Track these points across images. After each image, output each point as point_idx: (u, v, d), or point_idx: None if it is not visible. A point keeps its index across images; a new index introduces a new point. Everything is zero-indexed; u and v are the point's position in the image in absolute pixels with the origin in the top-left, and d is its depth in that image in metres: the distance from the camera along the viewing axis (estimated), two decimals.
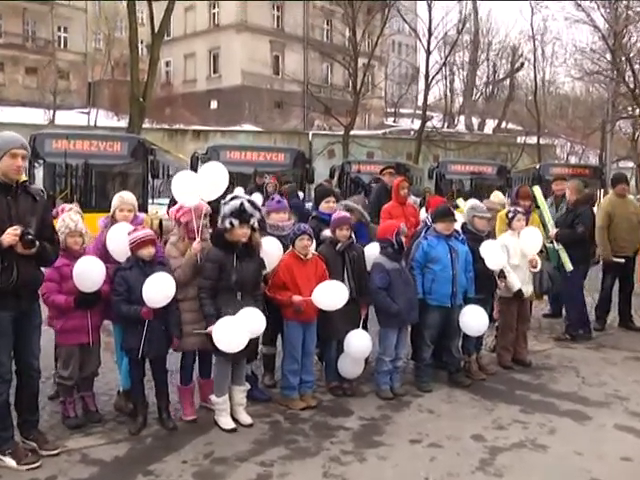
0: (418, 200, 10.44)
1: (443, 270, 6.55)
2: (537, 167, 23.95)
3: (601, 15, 28.15)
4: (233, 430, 5.48)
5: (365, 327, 6.68)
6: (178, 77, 50.16)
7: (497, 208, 8.42)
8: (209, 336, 5.32)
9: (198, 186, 5.57)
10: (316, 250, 6.28)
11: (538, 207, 8.59)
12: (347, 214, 6.55)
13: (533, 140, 42.23)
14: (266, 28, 46.90)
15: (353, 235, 6.49)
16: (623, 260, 9.06)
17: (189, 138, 36.38)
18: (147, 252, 5.37)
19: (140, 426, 5.42)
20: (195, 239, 5.50)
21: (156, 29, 25.00)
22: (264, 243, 5.85)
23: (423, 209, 9.45)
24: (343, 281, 6.17)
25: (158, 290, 5.18)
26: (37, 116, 36.74)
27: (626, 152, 36.72)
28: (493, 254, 6.85)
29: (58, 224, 5.35)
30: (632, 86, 26.04)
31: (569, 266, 8.34)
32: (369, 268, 6.48)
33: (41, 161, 14.80)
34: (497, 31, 68.22)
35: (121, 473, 4.78)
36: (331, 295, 5.88)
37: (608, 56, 27.85)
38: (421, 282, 6.59)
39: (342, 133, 36.85)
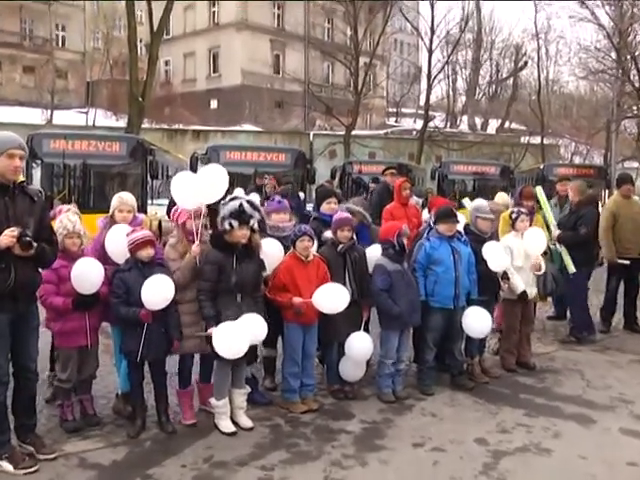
0: (420, 201, 10.42)
1: (446, 272, 6.54)
2: (541, 167, 23.93)
3: (606, 13, 28.18)
4: (233, 434, 5.48)
5: (367, 329, 6.67)
6: (177, 76, 50.18)
7: (501, 209, 8.40)
8: (208, 339, 5.33)
9: (198, 189, 5.56)
10: (317, 251, 6.28)
11: (541, 208, 8.58)
12: (348, 215, 6.54)
13: (537, 140, 42.19)
14: (266, 27, 46.94)
15: (355, 236, 6.49)
16: (628, 262, 9.03)
17: (189, 138, 36.39)
18: (146, 253, 5.37)
19: (139, 429, 5.42)
20: (194, 241, 5.51)
21: (155, 28, 25.01)
22: (265, 245, 5.86)
23: (425, 210, 9.43)
24: (344, 283, 6.18)
25: (157, 292, 5.18)
26: (35, 116, 36.76)
27: (631, 152, 36.68)
28: (496, 255, 6.84)
29: (56, 225, 5.35)
30: (637, 85, 26.06)
31: (572, 268, 8.33)
32: (371, 270, 6.48)
33: (39, 161, 14.80)
34: (500, 29, 67.94)
35: (119, 477, 4.78)
36: (332, 298, 5.88)
37: (613, 55, 27.86)
38: (423, 284, 6.58)
39: (343, 133, 36.88)
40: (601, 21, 28.00)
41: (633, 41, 26.87)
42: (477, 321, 6.65)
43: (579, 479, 4.92)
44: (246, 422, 5.63)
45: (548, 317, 9.96)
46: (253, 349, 5.80)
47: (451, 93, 58.62)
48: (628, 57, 26.30)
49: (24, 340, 4.82)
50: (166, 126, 38.85)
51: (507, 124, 53.45)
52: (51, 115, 38.34)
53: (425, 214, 8.82)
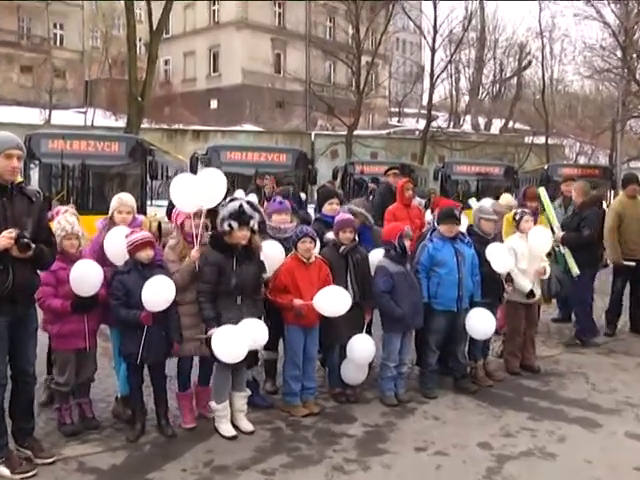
0: (423, 202, 10.43)
1: (449, 273, 6.54)
2: (545, 168, 23.94)
3: (611, 11, 28.18)
4: (234, 437, 5.48)
5: (369, 332, 6.67)
6: (177, 76, 50.21)
7: (504, 211, 8.37)
8: (208, 342, 5.33)
9: (197, 193, 5.54)
10: (319, 253, 6.27)
11: (545, 209, 8.57)
12: (350, 216, 6.55)
13: (541, 140, 42.21)
14: (267, 25, 46.96)
15: (357, 238, 6.49)
16: (634, 264, 8.99)
17: (189, 138, 36.41)
18: (145, 255, 5.37)
19: (138, 433, 5.42)
20: (193, 243, 5.50)
21: (155, 27, 25.02)
22: (265, 246, 5.86)
23: (428, 211, 9.44)
24: (346, 285, 6.18)
25: (158, 293, 5.18)
26: (33, 116, 36.79)
27: (637, 152, 36.76)
28: (500, 257, 6.84)
29: (54, 226, 5.35)
30: None
31: (575, 270, 8.31)
32: (373, 272, 6.48)
33: (37, 162, 14.80)
34: (504, 28, 67.77)
35: None
36: (333, 301, 5.88)
37: (618, 53, 27.84)
38: (426, 286, 6.58)
39: (345, 133, 36.90)
40: (606, 19, 28.01)
41: (639, 39, 26.84)
42: (481, 323, 6.65)
43: None
44: (247, 426, 5.64)
45: (552, 319, 9.95)
46: (254, 352, 5.80)
47: (454, 93, 58.62)
48: (634, 56, 26.31)
49: (22, 343, 4.82)
50: (166, 126, 38.87)
51: (511, 124, 53.43)
52: (49, 115, 38.36)
53: (428, 215, 8.83)
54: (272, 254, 5.98)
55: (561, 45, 46.54)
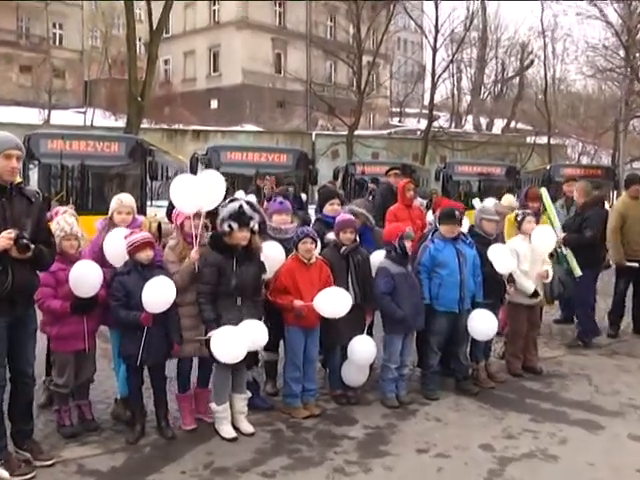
0: (424, 202, 10.44)
1: (450, 274, 6.54)
2: (547, 168, 23.95)
3: (614, 10, 28.21)
4: (234, 439, 5.48)
5: (370, 333, 6.67)
6: (177, 76, 50.23)
7: (505, 212, 8.36)
8: (208, 343, 5.33)
9: (197, 194, 5.54)
10: (320, 253, 6.27)
11: (546, 210, 8.56)
12: (351, 217, 6.55)
13: (543, 140, 42.21)
14: (268, 25, 46.97)
15: (358, 238, 6.48)
16: (637, 264, 8.98)
17: (189, 138, 36.42)
18: (145, 255, 5.37)
19: (138, 435, 5.43)
20: (193, 243, 5.50)
21: (155, 26, 25.03)
22: (266, 248, 5.86)
23: (430, 211, 9.44)
24: (347, 286, 6.18)
25: (158, 295, 5.18)
26: (32, 116, 36.77)
27: None
28: (502, 257, 6.84)
29: (53, 227, 5.34)
30: None
31: (578, 272, 8.29)
32: (374, 273, 6.48)
33: (36, 162, 14.82)
34: (506, 27, 68.20)
35: None
36: (333, 303, 5.88)
37: (621, 53, 27.88)
38: (428, 287, 6.58)
39: (346, 133, 36.90)
40: (609, 18, 28.03)
41: None
42: (482, 323, 6.65)
43: None
44: (247, 427, 5.64)
45: (555, 321, 9.94)
46: (254, 353, 5.80)
47: (456, 92, 58.67)
48: (637, 55, 26.31)
49: (22, 344, 4.83)
50: (166, 126, 38.87)
51: (513, 124, 53.44)
52: (48, 115, 38.36)
53: (429, 216, 8.83)
54: (272, 255, 5.98)
55: (563, 44, 46.49)
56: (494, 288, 6.93)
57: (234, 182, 15.57)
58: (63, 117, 37.79)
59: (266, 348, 6.46)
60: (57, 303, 5.31)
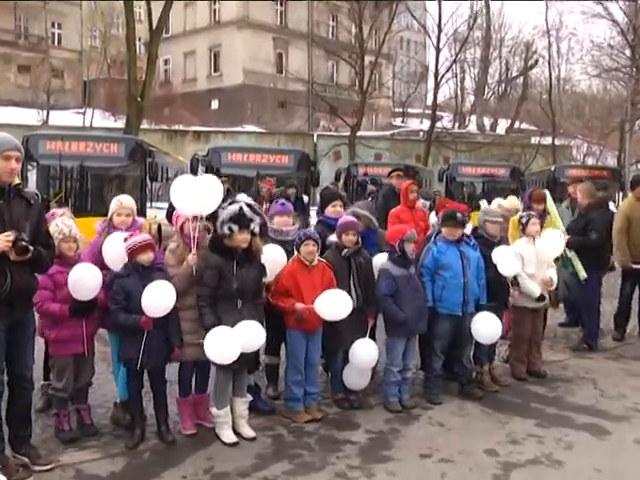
0: (428, 204, 10.43)
1: (454, 277, 6.54)
2: (552, 169, 23.89)
3: (620, 9, 28.21)
4: (235, 444, 5.48)
5: (373, 336, 6.66)
6: (177, 76, 50.31)
7: (507, 215, 8.33)
8: None
9: (198, 197, 5.53)
10: (321, 256, 6.26)
11: (549, 213, 8.53)
12: (354, 218, 6.54)
13: (548, 141, 42.20)
14: (269, 25, 47.04)
15: (360, 241, 6.47)
16: None
17: (189, 139, 36.46)
18: (146, 257, 5.37)
19: (137, 440, 5.42)
20: (191, 246, 5.49)
21: (154, 26, 25.04)
22: (267, 250, 5.85)
23: (433, 213, 9.43)
24: (349, 289, 6.18)
25: (158, 299, 5.17)
26: (30, 116, 36.83)
27: None
28: (506, 260, 6.83)
29: (51, 229, 5.33)
30: None
31: (583, 274, 8.28)
32: (377, 275, 6.48)
33: (34, 163, 14.79)
34: (510, 27, 68.33)
35: None
36: (333, 305, 5.87)
37: (627, 52, 27.89)
38: (431, 289, 6.58)
39: (348, 134, 36.94)
40: (615, 17, 28.03)
41: None
42: (486, 327, 6.64)
43: None
44: (248, 432, 5.63)
45: (560, 324, 9.91)
46: (255, 356, 5.81)
47: (459, 92, 58.73)
48: None
49: (20, 348, 4.83)
50: (166, 127, 38.93)
51: (517, 124, 53.45)
52: (47, 116, 38.41)
53: (433, 217, 8.82)
54: (274, 258, 5.97)
55: (568, 44, 46.71)
56: (498, 291, 6.93)
57: (235, 183, 15.59)
58: (62, 118, 37.85)
59: (267, 351, 6.48)
60: (56, 306, 5.31)
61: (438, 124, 41.80)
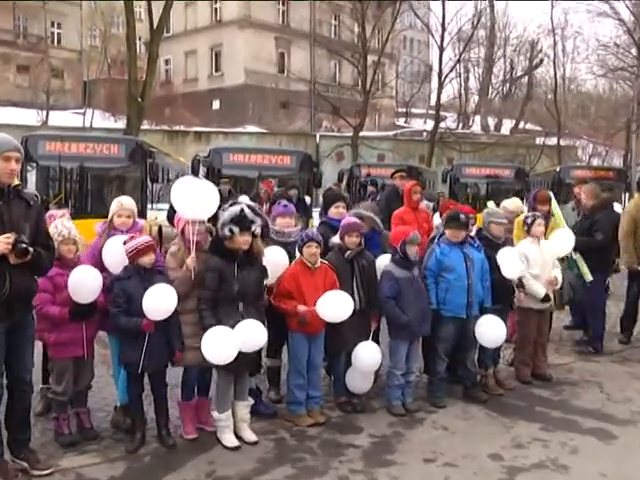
0: (431, 205, 10.43)
1: (458, 279, 6.54)
2: (557, 170, 23.85)
3: (626, 7, 28.19)
4: (236, 448, 5.48)
5: (376, 339, 6.66)
6: (178, 76, 50.36)
7: (511, 217, 8.31)
8: None
9: (199, 201, 5.53)
10: (323, 257, 6.26)
11: (553, 215, 8.52)
12: (357, 220, 6.53)
13: (553, 141, 42.17)
14: (271, 24, 47.07)
15: (363, 242, 6.47)
16: None
17: (190, 140, 36.49)
18: (148, 259, 5.37)
19: (138, 444, 5.42)
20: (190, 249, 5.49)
21: (155, 25, 25.07)
22: (269, 253, 5.85)
23: (437, 214, 9.43)
24: (352, 291, 6.17)
25: (159, 302, 5.17)
26: (29, 117, 36.89)
27: None
28: (510, 262, 6.82)
29: (50, 231, 5.33)
30: None
31: (589, 277, 8.26)
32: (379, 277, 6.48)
33: (34, 164, 14.79)
34: (514, 25, 68.39)
35: None
36: (334, 306, 5.86)
37: (634, 51, 27.87)
38: (434, 292, 6.58)
39: (351, 134, 36.96)
40: (621, 16, 28.02)
41: None
42: (491, 330, 6.63)
43: None
44: (250, 436, 5.63)
45: (565, 327, 9.90)
46: (257, 359, 5.80)
47: (463, 92, 58.70)
48: None
49: (20, 351, 4.83)
50: (166, 127, 38.96)
51: (522, 124, 53.45)
52: (46, 116, 38.45)
53: (436, 218, 8.82)
54: (276, 260, 5.97)
55: (574, 43, 46.74)
56: (503, 293, 6.93)
57: (236, 185, 15.59)
58: (61, 118, 37.90)
59: (268, 354, 6.48)
60: (56, 309, 5.31)
61: (442, 124, 41.76)
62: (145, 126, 30.63)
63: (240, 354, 5.27)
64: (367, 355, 6.21)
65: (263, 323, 5.57)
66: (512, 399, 6.92)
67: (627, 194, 21.68)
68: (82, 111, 40.72)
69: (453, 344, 6.70)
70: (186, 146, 34.32)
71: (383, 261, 6.54)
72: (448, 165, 29.87)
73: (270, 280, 5.91)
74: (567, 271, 7.90)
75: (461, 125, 53.94)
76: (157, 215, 14.83)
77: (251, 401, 5.80)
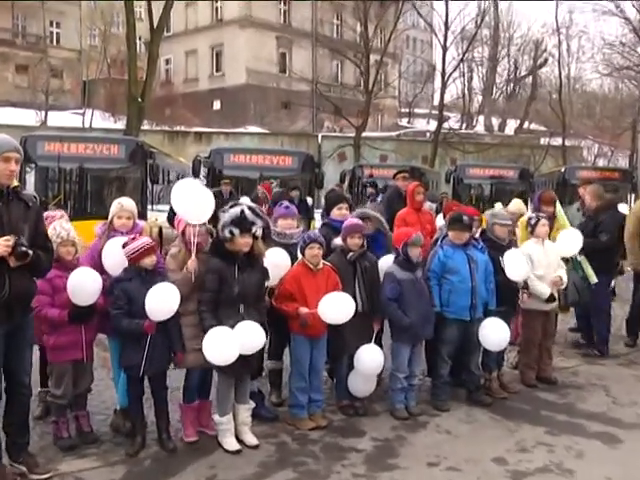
0: (434, 206, 10.44)
1: (461, 281, 6.53)
2: (562, 170, 23.84)
3: (632, 5, 28.16)
4: (237, 452, 5.48)
5: (379, 342, 6.66)
6: (179, 75, 50.42)
7: (514, 219, 8.30)
8: None
9: (199, 203, 5.53)
10: (325, 259, 6.25)
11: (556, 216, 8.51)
12: (359, 221, 6.52)
13: (558, 141, 42.17)
14: (272, 23, 47.13)
15: (365, 244, 6.47)
16: None
17: (191, 140, 36.53)
18: (150, 260, 5.37)
19: (138, 447, 5.42)
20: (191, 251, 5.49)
21: (155, 25, 25.09)
22: (271, 254, 5.85)
23: (440, 216, 9.42)
24: (354, 293, 6.17)
25: (162, 302, 5.17)
26: (28, 117, 36.96)
27: None
28: (515, 264, 6.82)
29: (49, 233, 5.33)
30: None
31: (593, 279, 8.24)
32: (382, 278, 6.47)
33: (33, 165, 14.80)
34: (518, 24, 68.15)
35: None
36: (335, 308, 5.86)
37: (639, 50, 27.81)
38: (438, 294, 6.58)
39: (353, 135, 36.96)
40: (627, 15, 28.00)
41: None
42: (495, 333, 6.63)
43: None
44: (251, 440, 5.63)
45: (570, 329, 9.89)
46: (258, 362, 5.80)
47: (467, 92, 58.68)
48: None
49: (19, 353, 4.83)
50: (167, 128, 39.03)
51: (526, 125, 53.43)
52: (45, 116, 38.51)
53: (439, 220, 8.81)
54: (277, 262, 5.97)
55: (579, 42, 46.73)
56: (507, 295, 6.91)
57: (238, 186, 15.60)
58: (61, 118, 37.95)
59: (270, 356, 6.48)
60: (55, 312, 5.31)
61: (445, 125, 41.75)
62: (145, 126, 30.68)
63: (240, 357, 5.27)
64: (369, 358, 6.21)
65: (264, 325, 5.57)
66: (516, 402, 6.91)
67: (633, 195, 21.66)
68: (81, 111, 40.79)
69: (457, 347, 6.70)
70: (187, 147, 34.36)
71: (386, 262, 6.54)
72: (451, 166, 29.86)
73: (272, 282, 5.91)
74: (572, 272, 7.89)
75: (465, 125, 53.95)
76: (157, 216, 14.84)
77: (252, 404, 5.80)
